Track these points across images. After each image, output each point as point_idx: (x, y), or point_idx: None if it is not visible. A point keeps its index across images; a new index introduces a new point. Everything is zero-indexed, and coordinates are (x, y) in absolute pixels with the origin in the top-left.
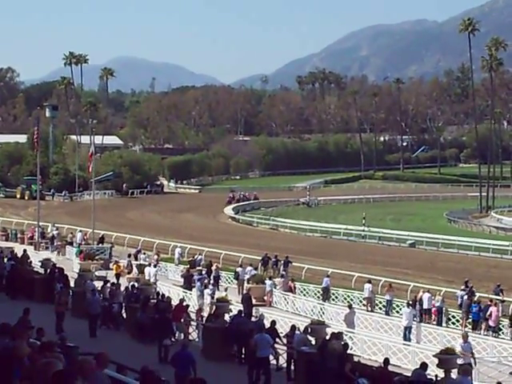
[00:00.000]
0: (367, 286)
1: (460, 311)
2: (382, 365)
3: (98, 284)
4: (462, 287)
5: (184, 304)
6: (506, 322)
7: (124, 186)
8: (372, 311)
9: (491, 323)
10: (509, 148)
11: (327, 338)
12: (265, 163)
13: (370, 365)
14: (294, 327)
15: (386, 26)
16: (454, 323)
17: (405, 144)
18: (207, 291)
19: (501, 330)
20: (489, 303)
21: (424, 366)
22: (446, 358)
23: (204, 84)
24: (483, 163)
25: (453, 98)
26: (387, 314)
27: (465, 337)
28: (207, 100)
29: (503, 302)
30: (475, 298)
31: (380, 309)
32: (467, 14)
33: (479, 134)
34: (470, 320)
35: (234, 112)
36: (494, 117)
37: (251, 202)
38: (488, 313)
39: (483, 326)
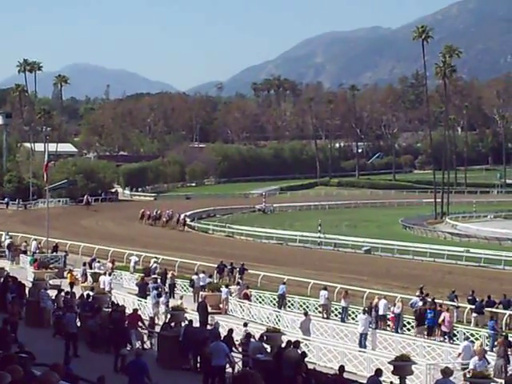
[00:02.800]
0: (323, 292)
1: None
2: (338, 372)
3: (52, 293)
4: (417, 293)
5: (138, 312)
6: (460, 327)
7: (86, 197)
8: (328, 318)
9: (445, 329)
10: (463, 154)
11: (283, 345)
12: (220, 170)
13: (325, 372)
14: (249, 335)
15: (340, 33)
16: (409, 329)
17: (360, 150)
18: (162, 299)
19: (455, 335)
20: (439, 308)
21: (378, 372)
22: (401, 364)
23: (159, 91)
24: (438, 169)
25: (407, 104)
26: (343, 320)
27: (480, 353)
28: (162, 107)
29: (458, 307)
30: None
31: (336, 316)
32: (421, 22)
33: (433, 140)
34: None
35: (190, 119)
36: (448, 123)
37: (207, 208)
38: (441, 318)
39: (438, 332)
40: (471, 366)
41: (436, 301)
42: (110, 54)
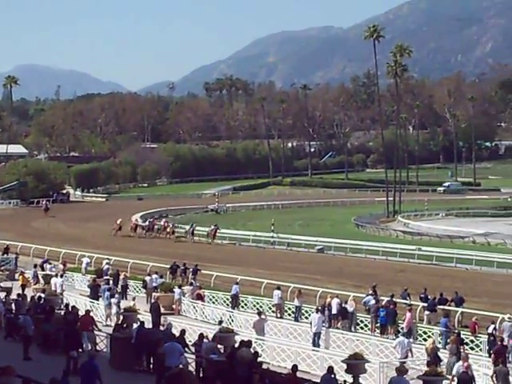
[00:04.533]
0: (276, 292)
1: (368, 316)
2: (291, 371)
3: (3, 295)
4: (370, 292)
5: (91, 314)
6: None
7: (45, 202)
8: (281, 318)
9: (405, 328)
10: (414, 153)
11: (236, 345)
12: (172, 170)
13: (279, 372)
14: (201, 335)
15: (292, 32)
16: (362, 328)
17: (312, 150)
18: (114, 300)
19: (430, 337)
20: (391, 306)
21: (330, 369)
22: (354, 363)
23: (110, 91)
24: (390, 168)
25: (359, 103)
26: (296, 320)
27: (464, 359)
28: (113, 107)
29: (410, 305)
30: (383, 303)
31: (289, 315)
32: (372, 21)
33: (385, 139)
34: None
35: (141, 119)
36: (400, 122)
37: (159, 209)
38: (403, 317)
39: (391, 330)
40: (454, 372)
41: (395, 300)
42: (61, 55)
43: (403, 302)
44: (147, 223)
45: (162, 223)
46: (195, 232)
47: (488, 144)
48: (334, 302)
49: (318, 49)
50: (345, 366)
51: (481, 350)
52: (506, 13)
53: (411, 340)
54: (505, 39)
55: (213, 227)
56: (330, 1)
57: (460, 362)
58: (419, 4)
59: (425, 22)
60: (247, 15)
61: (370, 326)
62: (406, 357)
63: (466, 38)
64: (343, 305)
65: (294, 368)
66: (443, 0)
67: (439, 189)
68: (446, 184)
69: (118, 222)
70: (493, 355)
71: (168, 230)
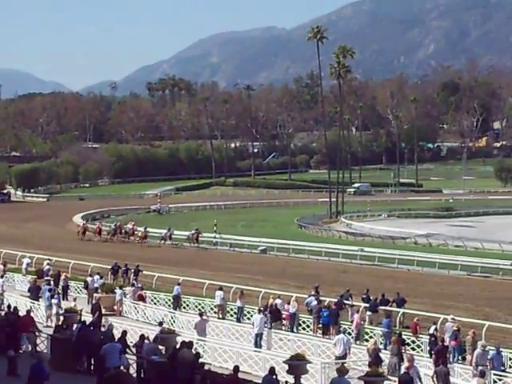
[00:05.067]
0: (218, 293)
1: (311, 316)
2: (232, 372)
3: None
4: (313, 292)
5: (31, 315)
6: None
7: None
8: (223, 318)
9: (354, 330)
10: (357, 154)
11: (177, 346)
12: (115, 170)
13: (220, 373)
14: (142, 336)
15: (235, 33)
16: (304, 328)
17: (256, 150)
18: (54, 301)
19: (372, 337)
20: (333, 307)
21: (272, 370)
22: (295, 363)
23: (52, 91)
24: (333, 169)
25: (302, 104)
26: (238, 320)
27: (410, 361)
28: (55, 107)
29: (352, 306)
30: (325, 303)
31: (231, 316)
32: (315, 22)
33: (328, 140)
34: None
35: (83, 119)
36: (343, 123)
37: (101, 209)
38: (350, 319)
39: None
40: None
41: (333, 300)
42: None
43: (346, 302)
44: (113, 226)
45: (129, 226)
46: (173, 236)
47: (430, 145)
48: (276, 303)
49: (261, 49)
50: (286, 367)
51: (422, 350)
52: (448, 15)
53: (352, 340)
54: (447, 41)
55: (194, 231)
56: (272, 1)
57: (406, 364)
58: (362, 6)
59: (368, 24)
60: (190, 15)
61: (312, 326)
62: (345, 355)
63: (409, 39)
64: (279, 306)
65: (236, 369)
66: (386, 2)
67: (349, 190)
68: (356, 185)
69: (82, 224)
70: (434, 355)
71: (140, 234)
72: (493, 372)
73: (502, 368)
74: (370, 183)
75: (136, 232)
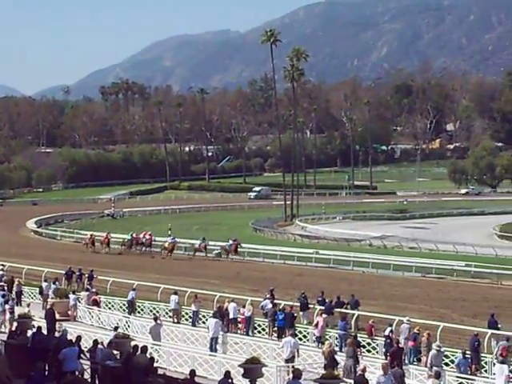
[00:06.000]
0: (173, 297)
1: (266, 320)
2: (188, 376)
3: None
4: (268, 296)
5: None
6: (310, 329)
7: None
8: (178, 323)
9: (317, 333)
10: (312, 157)
11: (132, 351)
12: (68, 175)
13: (175, 377)
14: (96, 342)
15: (189, 36)
16: (259, 332)
17: (210, 154)
18: (7, 307)
19: (328, 340)
20: (289, 309)
21: (227, 374)
22: (251, 367)
23: (4, 95)
24: (287, 172)
25: (257, 107)
26: (194, 324)
27: (385, 368)
28: (8, 112)
29: (308, 309)
30: (280, 306)
31: (186, 320)
32: (269, 25)
33: (283, 143)
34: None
35: (36, 123)
36: (297, 126)
37: (54, 214)
38: (315, 322)
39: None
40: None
41: (288, 303)
42: None
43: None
44: (128, 237)
45: (147, 237)
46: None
47: (384, 148)
48: (231, 307)
49: (215, 52)
50: (242, 371)
51: (377, 352)
52: (400, 17)
53: (297, 341)
54: (400, 44)
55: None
56: (226, 5)
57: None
58: (315, 9)
59: (321, 27)
60: (143, 19)
61: (267, 329)
62: (293, 357)
63: (362, 42)
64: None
65: (192, 373)
66: (339, 5)
67: (249, 194)
68: (257, 189)
69: (89, 235)
70: (389, 357)
71: (166, 245)
72: (459, 376)
73: (469, 372)
74: (269, 187)
75: (162, 243)
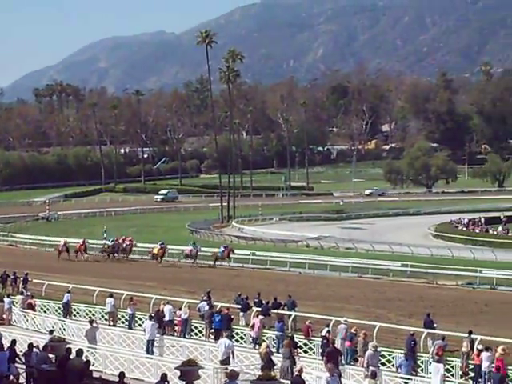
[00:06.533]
0: (109, 300)
1: (203, 322)
2: (118, 378)
3: None
4: (204, 297)
5: None
6: (247, 330)
7: None
8: (114, 325)
9: (253, 334)
10: (248, 158)
11: (67, 354)
12: (2, 178)
13: (111, 380)
14: (31, 345)
15: (124, 37)
16: (196, 334)
17: (146, 156)
18: None
19: (264, 341)
20: (226, 311)
21: (163, 376)
22: (187, 369)
23: None
24: (224, 173)
25: (192, 109)
26: (130, 327)
27: (331, 370)
28: None
29: (246, 311)
30: (217, 308)
31: (122, 323)
32: (204, 26)
33: (219, 144)
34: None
35: None
36: (233, 127)
37: None
38: (251, 324)
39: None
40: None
41: (225, 305)
42: None
43: (236, 306)
44: (109, 243)
45: (126, 242)
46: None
47: (320, 149)
48: (166, 309)
49: (150, 54)
50: (178, 373)
51: (314, 353)
52: (336, 19)
53: (232, 342)
54: (335, 45)
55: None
56: (161, 6)
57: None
58: (251, 10)
59: (256, 28)
60: (77, 20)
61: (204, 331)
62: (228, 358)
63: (298, 43)
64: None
65: (121, 375)
66: (275, 6)
67: (156, 197)
68: (164, 192)
69: (62, 241)
70: (324, 358)
71: (155, 251)
72: (396, 375)
73: (413, 373)
74: (176, 190)
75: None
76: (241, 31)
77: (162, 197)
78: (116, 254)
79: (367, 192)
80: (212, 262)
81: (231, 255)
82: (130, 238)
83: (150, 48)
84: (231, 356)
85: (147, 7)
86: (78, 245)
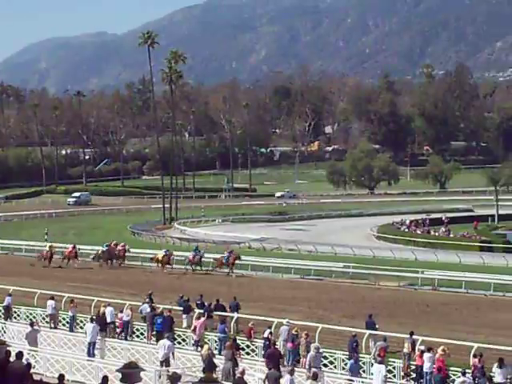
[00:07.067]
0: (50, 302)
1: (144, 324)
2: (58, 381)
3: None
4: (146, 300)
5: None
6: (189, 332)
7: None
8: (56, 328)
9: (195, 337)
10: (191, 159)
11: (7, 357)
12: None
13: (52, 383)
14: None
15: (65, 38)
16: (138, 336)
17: (87, 157)
18: None
19: (206, 343)
20: (168, 313)
21: (105, 379)
22: (128, 372)
23: None
24: (166, 175)
25: (134, 110)
26: (71, 330)
27: (292, 370)
28: None
29: (189, 313)
30: (158, 310)
31: (64, 325)
32: (147, 27)
33: (161, 146)
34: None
35: None
36: (176, 129)
37: None
38: (192, 327)
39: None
40: None
41: (167, 307)
42: None
43: (178, 309)
44: (103, 248)
45: (119, 248)
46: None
47: (263, 150)
48: (108, 311)
49: (92, 55)
50: (120, 376)
51: (256, 354)
52: (278, 20)
53: (172, 344)
54: (278, 46)
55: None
56: (103, 7)
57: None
58: (193, 11)
59: (199, 29)
60: (17, 20)
61: (146, 334)
62: (168, 359)
63: (240, 45)
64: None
65: (61, 377)
66: (217, 7)
67: (68, 200)
68: (77, 195)
69: (48, 246)
70: (266, 359)
71: (160, 257)
72: (359, 380)
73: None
74: (89, 193)
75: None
76: (184, 32)
77: (74, 199)
78: (115, 261)
79: (278, 194)
80: (212, 268)
81: (237, 262)
82: (123, 244)
83: (91, 49)
84: (171, 357)
85: (89, 8)
86: (68, 251)
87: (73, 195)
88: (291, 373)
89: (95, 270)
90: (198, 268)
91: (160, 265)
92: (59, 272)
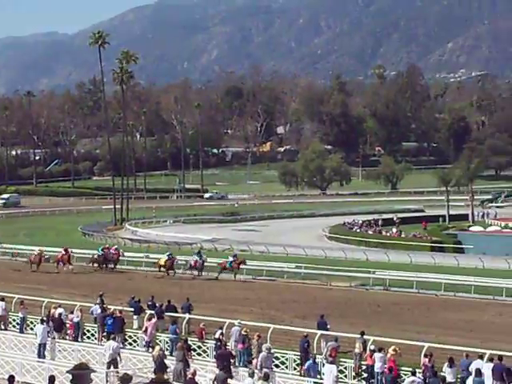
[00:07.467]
0: (0, 304)
1: (95, 325)
2: (7, 383)
3: None
4: (97, 301)
5: None
6: (140, 333)
7: None
8: (6, 329)
9: (146, 338)
10: (142, 160)
11: None
12: None
13: None
14: None
15: (15, 38)
16: (88, 337)
17: (37, 158)
18: None
19: (158, 344)
20: (119, 314)
21: (52, 378)
22: (78, 373)
23: None
24: (117, 175)
25: (85, 110)
26: (21, 331)
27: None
28: None
29: (139, 314)
30: (110, 311)
31: (14, 326)
32: (97, 27)
33: (112, 146)
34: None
35: None
36: (127, 129)
37: None
38: (143, 328)
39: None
40: None
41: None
42: None
43: (129, 310)
44: (99, 252)
45: (112, 251)
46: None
47: (215, 151)
48: (58, 312)
49: (42, 55)
50: (70, 377)
51: (208, 355)
52: (230, 21)
53: (119, 345)
54: (230, 47)
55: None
56: (53, 6)
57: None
58: (144, 11)
59: (150, 29)
60: None
61: (96, 335)
62: (115, 359)
63: (192, 45)
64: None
65: (10, 379)
66: (168, 7)
67: None
68: (6, 196)
69: (37, 250)
70: (216, 360)
71: (162, 262)
72: (310, 380)
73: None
74: (18, 194)
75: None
76: (135, 32)
77: (3, 201)
78: (111, 265)
79: (207, 196)
80: (216, 273)
81: (242, 266)
82: (115, 248)
83: (42, 49)
84: (118, 358)
85: (39, 7)
86: (60, 254)
87: (1, 197)
88: (252, 375)
89: (49, 271)
90: (198, 273)
91: (164, 269)
92: (8, 273)
